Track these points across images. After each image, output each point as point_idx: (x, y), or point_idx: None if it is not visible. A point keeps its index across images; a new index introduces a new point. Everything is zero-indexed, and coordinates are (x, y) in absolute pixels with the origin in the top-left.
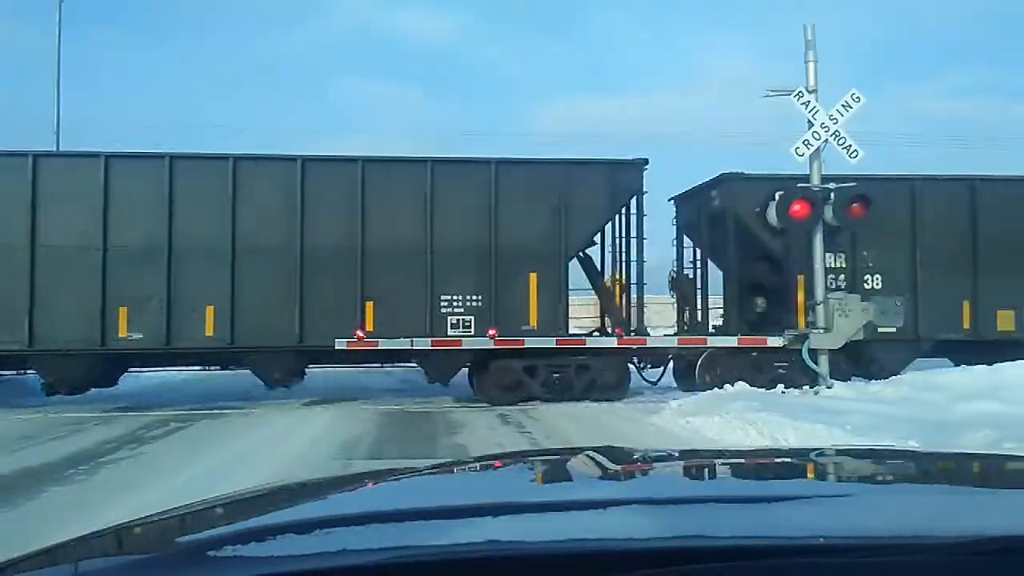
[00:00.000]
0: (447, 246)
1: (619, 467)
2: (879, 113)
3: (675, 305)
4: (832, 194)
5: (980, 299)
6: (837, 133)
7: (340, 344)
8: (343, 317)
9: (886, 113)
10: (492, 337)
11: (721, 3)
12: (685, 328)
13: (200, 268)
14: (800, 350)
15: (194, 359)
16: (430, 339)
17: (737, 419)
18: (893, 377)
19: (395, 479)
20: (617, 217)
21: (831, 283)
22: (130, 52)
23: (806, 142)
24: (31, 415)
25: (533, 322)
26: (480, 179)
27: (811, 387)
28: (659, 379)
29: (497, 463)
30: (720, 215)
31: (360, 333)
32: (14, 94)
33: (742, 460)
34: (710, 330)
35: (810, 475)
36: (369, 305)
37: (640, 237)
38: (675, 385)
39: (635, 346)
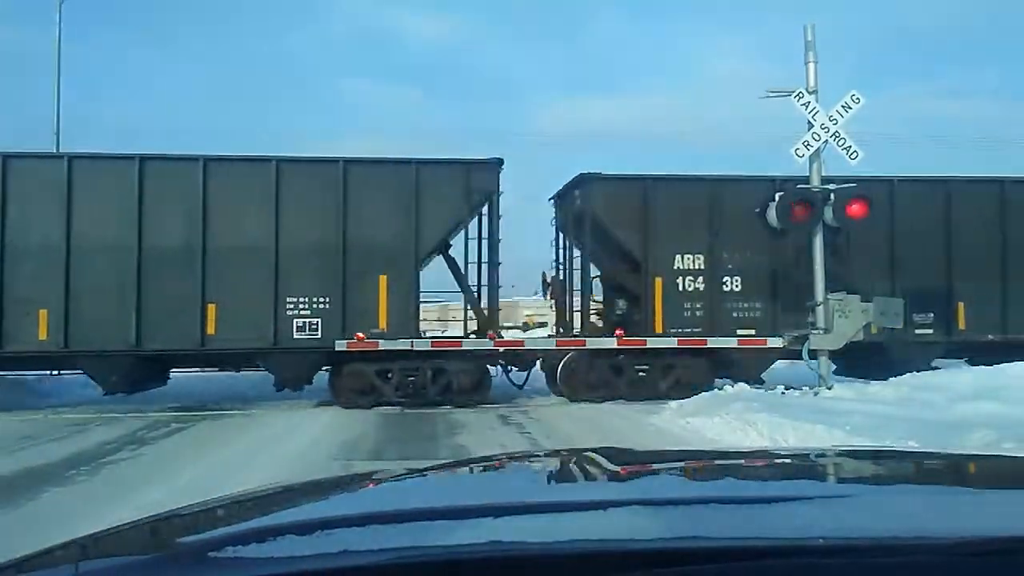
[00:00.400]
0: (294, 248)
1: (619, 468)
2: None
3: (552, 307)
4: (832, 195)
5: None
6: (837, 134)
7: (340, 345)
8: (184, 320)
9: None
10: (492, 339)
11: (721, 4)
12: (560, 330)
13: (33, 269)
14: (800, 351)
15: (27, 363)
16: (430, 340)
17: (737, 420)
18: (893, 378)
19: (396, 480)
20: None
21: (689, 285)
22: (128, 55)
23: (806, 143)
24: (32, 415)
25: (383, 324)
26: (328, 179)
27: (669, 387)
28: (525, 382)
29: (498, 464)
30: (581, 216)
31: (360, 334)
32: (11, 94)
33: (742, 461)
34: (573, 332)
35: (810, 475)
36: (212, 308)
37: (496, 239)
38: (547, 389)
39: (635, 346)
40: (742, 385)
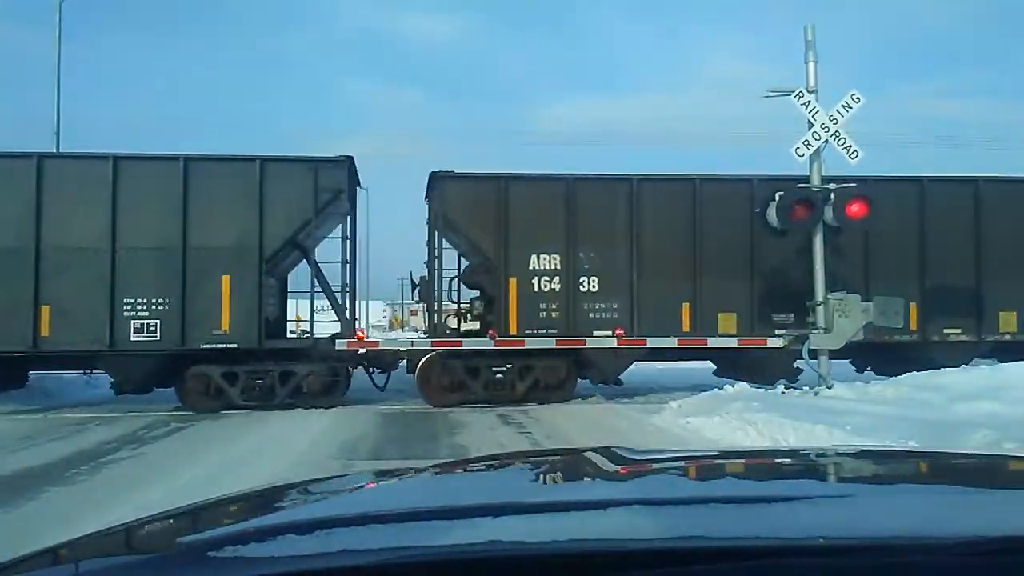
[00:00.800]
0: (132, 247)
1: (619, 467)
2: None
3: (423, 308)
4: (833, 194)
5: (701, 302)
6: (837, 134)
7: (340, 344)
8: (16, 321)
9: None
10: (492, 338)
11: (721, 4)
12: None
13: None
14: (801, 350)
15: None
16: (432, 340)
17: (737, 419)
18: (893, 378)
19: (396, 480)
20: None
21: (544, 286)
22: (129, 55)
23: (806, 142)
24: (32, 415)
25: (225, 326)
26: (169, 177)
27: (528, 388)
28: (385, 384)
29: (497, 464)
30: (437, 216)
31: (360, 334)
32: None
33: (742, 460)
34: (418, 334)
35: (810, 475)
36: (45, 309)
37: (347, 238)
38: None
39: (450, 347)
40: (742, 385)
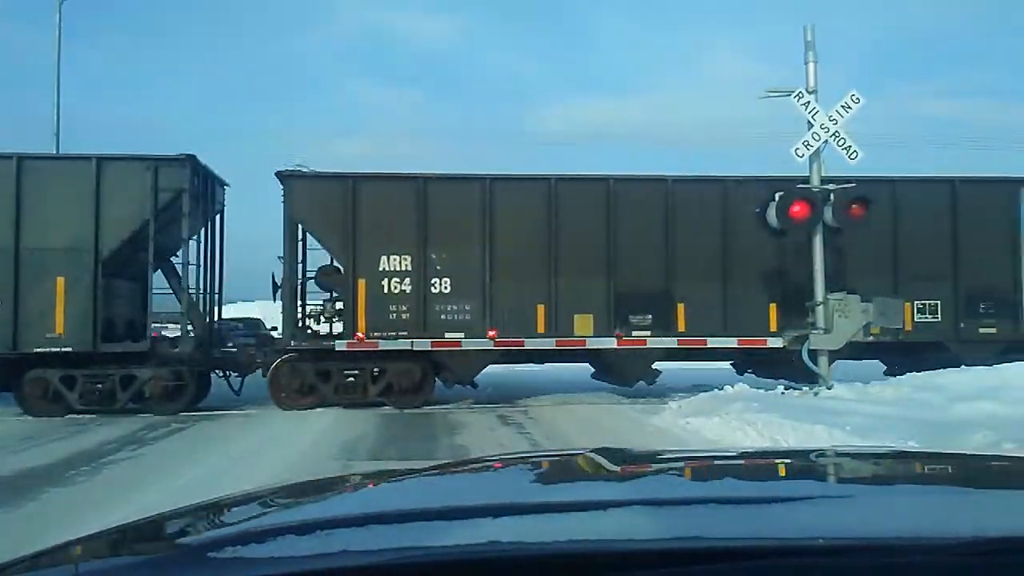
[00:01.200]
0: None
1: (619, 468)
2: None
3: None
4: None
5: (556, 303)
6: (836, 134)
7: (340, 345)
8: None
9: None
10: (493, 339)
11: (722, 4)
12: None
13: None
14: (800, 351)
15: None
16: (430, 341)
17: (737, 420)
18: (894, 378)
19: (396, 480)
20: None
21: (395, 287)
22: (130, 55)
23: (806, 143)
24: (32, 416)
25: (60, 329)
26: (1, 176)
27: (380, 391)
28: (240, 387)
29: (498, 464)
30: (285, 215)
31: (360, 334)
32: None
33: (742, 461)
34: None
35: (810, 476)
36: None
37: (188, 239)
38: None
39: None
40: (742, 385)
